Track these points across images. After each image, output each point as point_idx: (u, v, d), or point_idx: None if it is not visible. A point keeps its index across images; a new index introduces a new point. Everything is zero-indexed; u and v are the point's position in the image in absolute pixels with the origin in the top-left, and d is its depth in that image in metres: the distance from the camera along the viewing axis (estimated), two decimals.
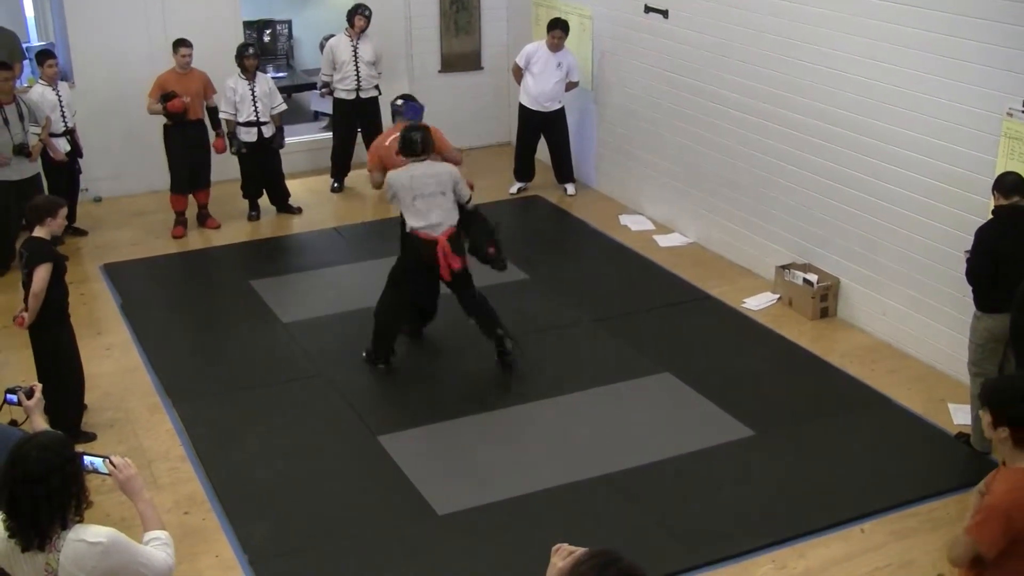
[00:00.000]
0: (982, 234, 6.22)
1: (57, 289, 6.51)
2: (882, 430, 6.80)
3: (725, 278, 8.95)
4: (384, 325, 7.52)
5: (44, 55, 9.57)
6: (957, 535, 4.00)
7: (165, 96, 9.60)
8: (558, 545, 2.96)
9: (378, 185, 7.81)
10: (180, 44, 9.71)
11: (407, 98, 8.43)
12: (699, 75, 9.24)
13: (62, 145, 9.53)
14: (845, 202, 7.97)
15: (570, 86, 10.57)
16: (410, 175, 7.21)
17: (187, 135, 9.85)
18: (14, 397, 4.43)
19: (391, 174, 7.30)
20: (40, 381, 6.55)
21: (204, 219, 10.21)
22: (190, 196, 10.07)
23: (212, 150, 10.07)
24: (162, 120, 9.81)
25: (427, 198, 7.17)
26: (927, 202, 7.29)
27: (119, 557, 3.53)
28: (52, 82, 9.48)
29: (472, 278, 7.44)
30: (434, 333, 8.00)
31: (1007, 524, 3.82)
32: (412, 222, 7.19)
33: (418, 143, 7.30)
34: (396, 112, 8.31)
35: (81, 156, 9.85)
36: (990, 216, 6.31)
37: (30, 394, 4.40)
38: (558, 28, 10.32)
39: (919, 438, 6.74)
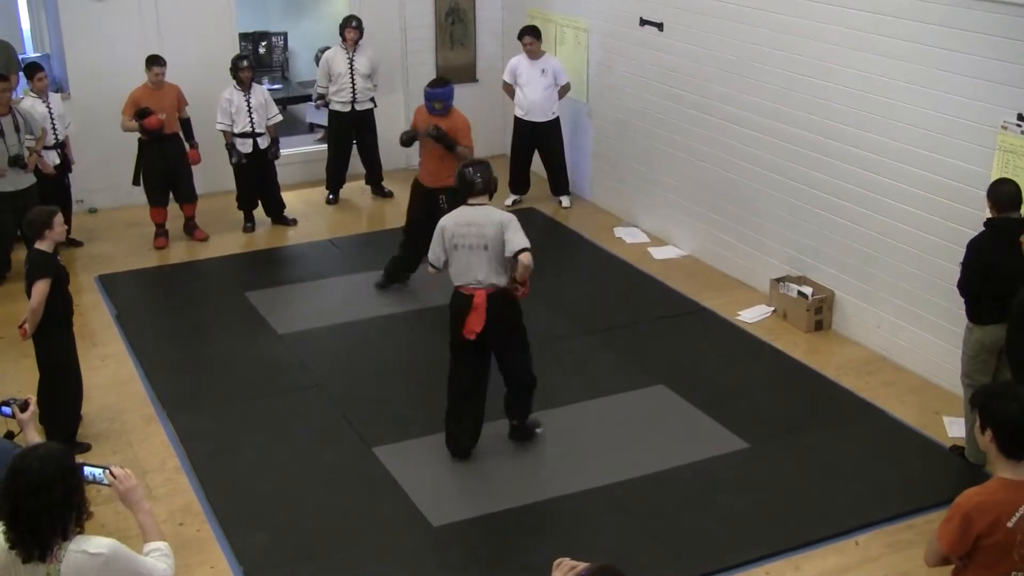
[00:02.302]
0: (973, 246, 6.25)
1: (58, 300, 6.51)
2: (877, 442, 6.82)
3: (720, 291, 8.96)
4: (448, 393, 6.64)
5: (33, 68, 9.55)
6: (932, 535, 4.04)
7: (140, 112, 9.59)
8: (559, 559, 2.94)
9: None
10: (153, 62, 9.68)
11: (433, 84, 8.51)
12: (694, 88, 9.27)
13: (51, 158, 9.51)
14: (840, 215, 8.00)
15: (563, 92, 10.50)
16: (455, 221, 6.31)
17: (164, 150, 9.83)
18: (8, 410, 4.41)
19: (444, 218, 6.39)
20: (42, 390, 6.59)
21: (191, 231, 10.21)
22: (177, 209, 10.06)
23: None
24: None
25: (466, 250, 6.28)
26: (922, 215, 7.32)
27: (120, 568, 3.53)
28: (42, 95, 9.48)
29: (518, 350, 6.62)
30: (430, 344, 7.97)
31: (966, 525, 3.84)
32: (452, 277, 6.37)
33: (478, 183, 6.30)
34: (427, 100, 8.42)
35: (70, 170, 9.83)
36: (982, 228, 6.34)
37: (24, 407, 4.39)
38: (527, 35, 10.27)
39: (914, 450, 6.75)
